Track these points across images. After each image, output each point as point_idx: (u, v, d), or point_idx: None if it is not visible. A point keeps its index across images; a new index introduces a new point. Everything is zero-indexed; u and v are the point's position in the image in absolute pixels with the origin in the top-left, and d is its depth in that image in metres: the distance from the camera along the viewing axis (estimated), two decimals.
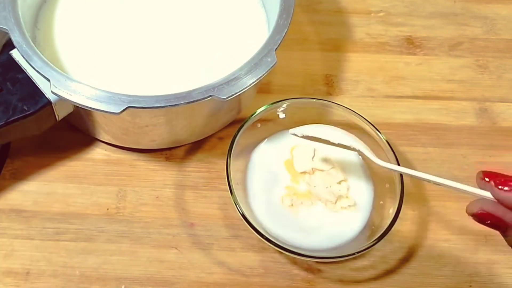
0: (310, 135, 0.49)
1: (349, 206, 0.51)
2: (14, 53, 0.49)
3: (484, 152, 0.56)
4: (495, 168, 0.55)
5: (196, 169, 0.55)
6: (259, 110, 0.53)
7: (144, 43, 0.55)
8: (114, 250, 0.50)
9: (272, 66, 0.48)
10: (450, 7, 0.67)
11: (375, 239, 0.47)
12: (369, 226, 0.50)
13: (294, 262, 0.50)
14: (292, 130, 0.50)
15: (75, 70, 0.53)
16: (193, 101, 0.46)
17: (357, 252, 0.47)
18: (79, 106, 0.46)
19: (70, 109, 0.50)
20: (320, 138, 0.49)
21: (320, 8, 0.66)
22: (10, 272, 0.49)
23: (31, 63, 0.47)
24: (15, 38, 0.48)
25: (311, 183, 0.51)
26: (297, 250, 0.47)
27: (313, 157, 0.52)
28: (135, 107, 0.45)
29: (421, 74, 0.62)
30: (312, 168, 0.52)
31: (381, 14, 0.66)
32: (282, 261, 0.50)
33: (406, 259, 0.51)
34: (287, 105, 0.54)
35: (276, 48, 0.49)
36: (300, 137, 0.49)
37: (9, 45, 0.49)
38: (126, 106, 0.45)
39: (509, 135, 0.58)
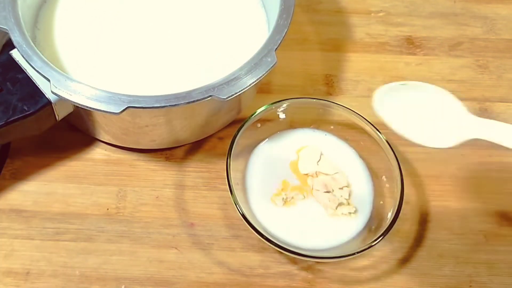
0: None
1: (350, 213, 0.50)
2: (14, 53, 0.49)
3: (484, 152, 0.56)
4: (495, 167, 0.56)
5: (196, 169, 0.55)
6: (259, 110, 0.53)
7: (144, 43, 0.55)
8: (114, 250, 0.50)
9: (272, 66, 0.48)
10: (450, 7, 0.67)
11: (375, 239, 0.47)
12: (369, 226, 0.50)
13: (294, 262, 0.50)
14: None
15: (75, 70, 0.53)
16: (193, 101, 0.46)
17: (357, 252, 0.47)
18: (79, 106, 0.46)
19: (70, 109, 0.50)
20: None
21: (320, 8, 0.66)
22: (10, 272, 0.49)
23: (31, 63, 0.47)
24: (15, 38, 0.48)
25: (313, 186, 0.51)
26: (297, 250, 0.47)
27: (318, 161, 0.53)
28: (135, 107, 0.45)
29: (421, 74, 0.62)
30: (316, 172, 0.52)
31: (381, 14, 0.66)
32: (282, 261, 0.50)
33: (406, 259, 0.51)
34: (287, 105, 0.54)
35: (276, 48, 0.49)
36: None
37: (9, 45, 0.49)
38: (126, 106, 0.45)
39: None
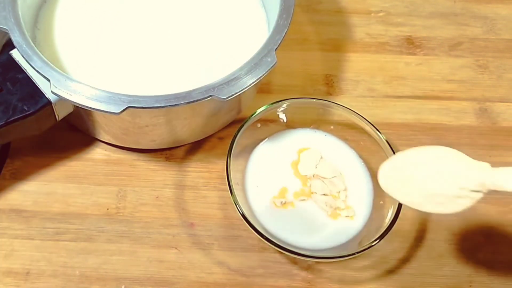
0: None
1: (347, 216, 0.50)
2: (14, 53, 0.49)
3: (484, 152, 0.56)
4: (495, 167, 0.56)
5: (196, 169, 0.55)
6: (259, 110, 0.53)
7: (144, 43, 0.55)
8: (114, 250, 0.50)
9: (272, 66, 0.48)
10: (450, 7, 0.67)
11: (375, 239, 0.47)
12: (368, 226, 0.50)
13: (294, 262, 0.50)
14: None
15: (75, 70, 0.53)
16: (193, 101, 0.46)
17: (357, 252, 0.47)
18: (79, 106, 0.46)
19: (70, 109, 0.50)
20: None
21: (320, 8, 0.66)
22: (10, 272, 0.49)
23: (31, 63, 0.47)
24: (15, 38, 0.48)
25: (311, 188, 0.51)
26: (297, 250, 0.47)
27: (317, 164, 0.52)
28: (135, 107, 0.45)
29: (421, 74, 0.62)
30: (314, 175, 0.52)
31: (381, 14, 0.66)
32: (282, 261, 0.50)
33: (406, 259, 0.51)
34: (287, 105, 0.54)
35: (276, 48, 0.49)
36: None
37: (9, 45, 0.49)
38: (126, 106, 0.45)
39: (509, 135, 0.58)
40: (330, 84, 0.60)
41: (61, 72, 0.47)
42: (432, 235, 0.52)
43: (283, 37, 0.50)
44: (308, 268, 0.50)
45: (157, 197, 0.53)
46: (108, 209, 0.52)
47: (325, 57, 0.62)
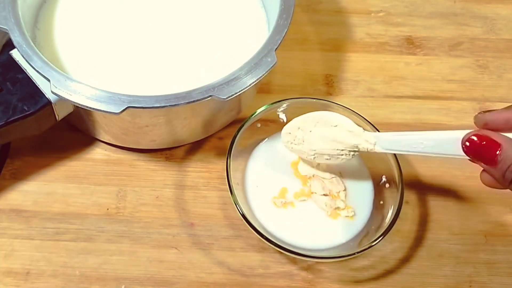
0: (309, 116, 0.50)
1: (347, 216, 0.50)
2: (14, 53, 0.49)
3: None
4: None
5: (196, 169, 0.55)
6: (259, 110, 0.53)
7: (144, 43, 0.55)
8: (114, 250, 0.50)
9: (272, 66, 0.48)
10: (450, 7, 0.67)
11: (375, 239, 0.47)
12: (368, 226, 0.50)
13: (294, 262, 0.50)
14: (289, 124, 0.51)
15: (75, 70, 0.53)
16: (193, 101, 0.46)
17: (357, 252, 0.47)
18: (79, 106, 0.46)
19: (70, 109, 0.50)
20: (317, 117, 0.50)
21: (320, 8, 0.66)
22: (10, 272, 0.49)
23: (31, 63, 0.47)
24: (15, 38, 0.48)
25: (311, 188, 0.51)
26: (297, 250, 0.47)
27: (317, 165, 0.52)
28: (135, 107, 0.45)
29: (421, 74, 0.62)
30: (314, 175, 0.52)
31: (381, 14, 0.66)
32: (282, 261, 0.50)
33: (406, 259, 0.51)
34: (287, 105, 0.54)
35: (276, 48, 0.49)
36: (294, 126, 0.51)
37: (9, 45, 0.49)
38: (126, 106, 0.45)
39: None
40: (330, 84, 0.60)
41: (61, 72, 0.47)
42: (432, 235, 0.52)
43: (283, 37, 0.50)
44: (308, 268, 0.50)
45: (157, 197, 0.53)
46: (108, 209, 0.52)
47: (325, 57, 0.62)
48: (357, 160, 0.53)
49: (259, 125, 0.54)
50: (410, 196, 0.54)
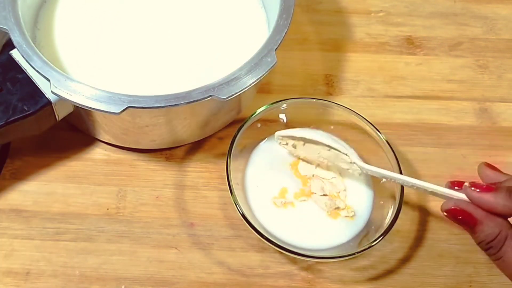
0: (295, 135, 0.51)
1: (346, 216, 0.50)
2: (14, 53, 0.49)
3: (484, 152, 0.56)
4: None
5: (196, 169, 0.55)
6: (259, 110, 0.53)
7: (144, 43, 0.55)
8: (114, 250, 0.50)
9: (272, 66, 0.48)
10: (450, 7, 0.67)
11: (375, 239, 0.47)
12: (368, 226, 0.50)
13: (294, 262, 0.50)
14: (278, 133, 0.52)
15: (75, 70, 0.53)
16: (193, 101, 0.46)
17: (357, 252, 0.47)
18: (79, 106, 0.46)
19: (70, 109, 0.50)
20: (305, 138, 0.50)
21: (320, 8, 0.66)
22: (10, 272, 0.49)
23: (31, 63, 0.47)
24: (15, 38, 0.48)
25: (311, 188, 0.51)
26: (297, 250, 0.47)
27: (317, 165, 0.52)
28: (135, 107, 0.45)
29: (421, 74, 0.62)
30: (314, 175, 0.52)
31: (381, 14, 0.66)
32: (282, 261, 0.50)
33: (406, 259, 0.51)
34: (287, 105, 0.54)
35: (276, 48, 0.49)
36: (285, 136, 0.52)
37: (9, 45, 0.49)
38: (126, 106, 0.45)
39: (509, 135, 0.58)
40: (330, 84, 0.60)
41: (61, 72, 0.47)
42: (432, 235, 0.52)
43: (283, 37, 0.50)
44: (308, 268, 0.50)
45: (157, 197, 0.53)
46: (108, 209, 0.52)
47: (325, 57, 0.62)
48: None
49: (259, 125, 0.54)
50: (410, 196, 0.53)
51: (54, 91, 0.46)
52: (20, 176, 0.54)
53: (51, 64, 0.47)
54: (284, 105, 0.54)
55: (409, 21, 0.66)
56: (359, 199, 0.52)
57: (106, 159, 0.55)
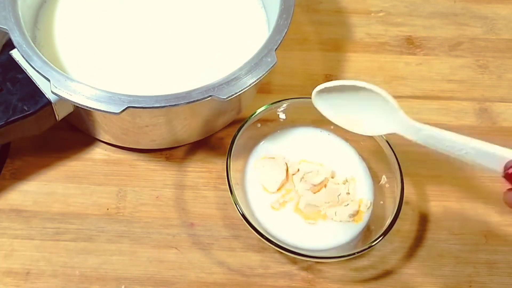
0: (334, 84, 0.48)
1: (348, 221, 0.50)
2: (14, 53, 0.49)
3: None
4: None
5: (196, 169, 0.55)
6: (259, 110, 0.53)
7: (144, 43, 0.55)
8: (114, 250, 0.50)
9: (272, 66, 0.48)
10: (450, 7, 0.67)
11: (375, 239, 0.47)
12: (368, 226, 0.50)
13: (294, 262, 0.50)
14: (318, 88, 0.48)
15: (75, 70, 0.53)
16: (193, 101, 0.46)
17: (357, 252, 0.47)
18: (79, 106, 0.46)
19: (70, 109, 0.50)
20: (345, 85, 0.47)
21: (320, 8, 0.66)
22: (10, 272, 0.49)
23: (31, 63, 0.47)
24: (15, 38, 0.48)
25: (327, 214, 0.51)
26: (297, 250, 0.47)
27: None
28: (135, 107, 0.45)
29: (421, 74, 0.62)
30: (299, 169, 0.52)
31: (381, 14, 0.66)
32: (282, 261, 0.50)
33: (406, 259, 0.51)
34: (287, 105, 0.54)
35: (276, 48, 0.49)
36: (325, 88, 0.48)
37: (9, 45, 0.49)
38: (126, 106, 0.45)
39: (509, 135, 0.58)
40: None
41: (61, 72, 0.47)
42: (432, 235, 0.52)
43: (283, 37, 0.50)
44: (308, 268, 0.50)
45: (157, 197, 0.53)
46: (108, 209, 0.52)
47: (325, 57, 0.62)
48: (358, 160, 0.53)
49: (259, 125, 0.54)
50: (410, 196, 0.54)
51: (54, 91, 0.46)
52: (20, 176, 0.54)
53: (51, 64, 0.47)
54: (284, 105, 0.54)
55: (409, 21, 0.66)
56: (362, 204, 0.51)
57: (106, 159, 0.55)
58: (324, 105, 0.49)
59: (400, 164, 0.50)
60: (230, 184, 0.49)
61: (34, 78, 0.48)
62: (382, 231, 0.47)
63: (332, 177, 0.52)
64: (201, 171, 0.55)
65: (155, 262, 0.50)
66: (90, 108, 0.45)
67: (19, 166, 0.54)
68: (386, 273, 0.50)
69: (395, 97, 0.60)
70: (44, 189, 0.53)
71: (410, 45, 0.64)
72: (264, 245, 0.50)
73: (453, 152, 0.44)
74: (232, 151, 0.50)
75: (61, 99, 0.46)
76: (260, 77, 0.47)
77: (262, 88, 0.59)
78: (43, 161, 0.54)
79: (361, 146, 0.53)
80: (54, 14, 0.56)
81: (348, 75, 0.61)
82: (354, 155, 0.54)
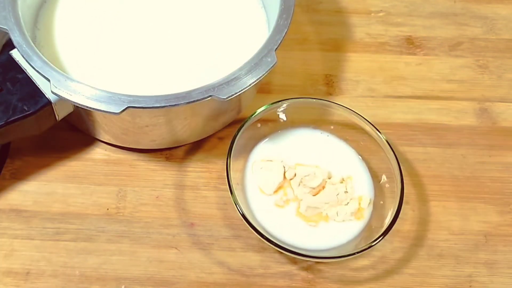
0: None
1: (350, 219, 0.50)
2: (14, 53, 0.49)
3: (484, 152, 0.56)
4: (495, 167, 0.56)
5: (196, 169, 0.55)
6: (259, 110, 0.53)
7: (144, 43, 0.55)
8: (114, 250, 0.50)
9: (272, 66, 0.48)
10: (450, 7, 0.67)
11: (375, 239, 0.47)
12: (369, 226, 0.50)
13: (294, 262, 0.50)
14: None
15: (75, 70, 0.53)
16: (193, 101, 0.46)
17: (357, 252, 0.47)
18: (79, 106, 0.46)
19: (70, 109, 0.50)
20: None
21: (320, 8, 0.66)
22: (10, 272, 0.49)
23: (31, 63, 0.47)
24: (15, 38, 0.48)
25: (328, 215, 0.51)
26: (297, 250, 0.47)
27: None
28: (135, 107, 0.45)
29: (421, 74, 0.62)
30: (295, 171, 0.52)
31: (381, 14, 0.66)
32: (282, 261, 0.50)
33: (406, 259, 0.51)
34: (287, 105, 0.54)
35: (276, 48, 0.49)
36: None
37: (9, 45, 0.49)
38: (126, 106, 0.45)
39: (509, 135, 0.58)
40: (330, 84, 0.60)
41: (61, 72, 0.47)
42: (432, 235, 0.52)
43: (283, 37, 0.50)
44: (308, 268, 0.50)
45: (157, 197, 0.53)
46: (108, 209, 0.52)
47: (325, 57, 0.62)
48: (358, 160, 0.53)
49: (259, 125, 0.54)
50: (410, 196, 0.54)
51: (54, 91, 0.46)
52: (20, 176, 0.54)
53: (51, 64, 0.47)
54: (284, 105, 0.54)
55: (409, 21, 0.66)
56: (363, 204, 0.51)
57: (106, 159, 0.55)
58: None
59: (400, 164, 0.50)
60: (230, 184, 0.49)
61: (34, 78, 0.48)
62: (382, 231, 0.47)
63: (329, 178, 0.52)
64: (201, 171, 0.55)
65: (155, 262, 0.50)
66: (90, 108, 0.45)
67: (19, 166, 0.54)
68: (386, 273, 0.50)
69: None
70: (44, 189, 0.53)
71: (410, 45, 0.64)
72: (264, 245, 0.50)
73: None
74: (232, 151, 0.50)
75: (61, 99, 0.46)
76: (260, 77, 0.47)
77: (262, 88, 0.59)
78: (43, 161, 0.54)
79: (361, 146, 0.54)
80: (54, 14, 0.56)
81: (348, 75, 0.61)
82: (352, 154, 0.54)
